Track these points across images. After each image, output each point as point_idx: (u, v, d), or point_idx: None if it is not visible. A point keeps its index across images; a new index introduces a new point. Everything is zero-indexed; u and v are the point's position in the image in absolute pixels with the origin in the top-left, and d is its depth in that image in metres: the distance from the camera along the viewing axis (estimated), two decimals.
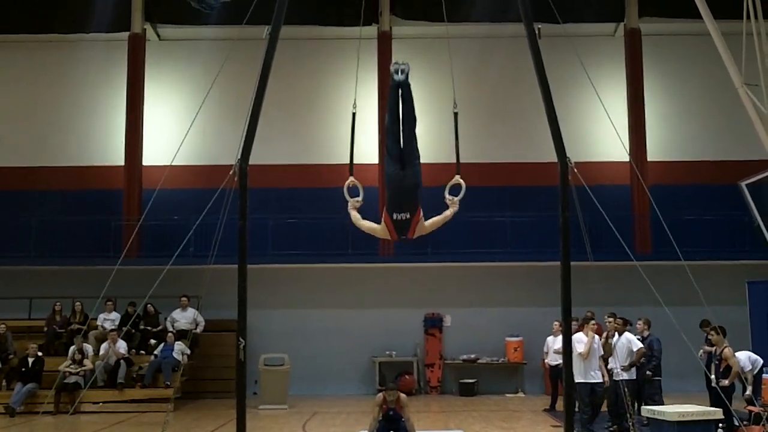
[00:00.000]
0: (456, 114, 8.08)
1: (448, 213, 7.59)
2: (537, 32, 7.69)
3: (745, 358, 12.53)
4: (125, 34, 19.60)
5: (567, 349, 7.53)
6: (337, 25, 19.55)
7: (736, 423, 10.48)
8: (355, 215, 7.74)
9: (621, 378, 11.25)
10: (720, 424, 10.08)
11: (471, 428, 12.70)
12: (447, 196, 7.65)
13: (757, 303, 16.26)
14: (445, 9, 9.74)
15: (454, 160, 7.78)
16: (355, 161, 7.81)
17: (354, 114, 7.95)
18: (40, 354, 15.57)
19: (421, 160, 7.45)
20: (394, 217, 7.37)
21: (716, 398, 10.75)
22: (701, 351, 12.38)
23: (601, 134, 18.44)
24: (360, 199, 7.81)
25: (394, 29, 19.43)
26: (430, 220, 7.54)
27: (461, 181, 7.70)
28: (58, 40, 19.89)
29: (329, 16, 19.61)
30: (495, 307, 18.48)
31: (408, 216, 7.35)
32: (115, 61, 19.65)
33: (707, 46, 14.53)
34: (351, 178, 7.88)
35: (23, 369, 15.24)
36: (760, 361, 12.30)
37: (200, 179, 17.54)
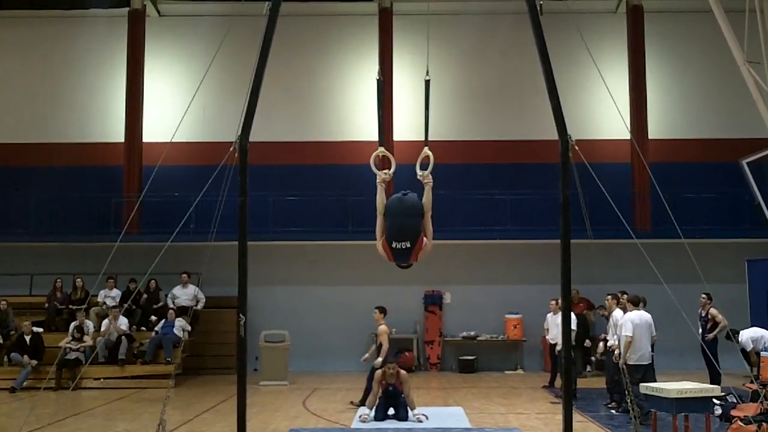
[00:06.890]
0: (427, 82, 7.89)
1: (427, 192, 7.07)
2: (539, 8, 7.63)
3: (747, 337, 12.63)
4: (125, 10, 19.49)
5: (566, 326, 7.54)
6: (338, 1, 19.46)
7: (734, 400, 10.52)
8: (381, 199, 7.11)
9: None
10: (716, 401, 10.12)
11: (470, 405, 12.78)
12: (418, 171, 7.35)
13: (756, 281, 16.32)
14: None
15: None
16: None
17: (379, 81, 7.98)
18: (35, 329, 15.61)
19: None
20: (394, 245, 6.93)
21: (706, 359, 12.05)
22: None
23: (602, 112, 18.39)
24: (390, 172, 7.45)
25: (395, 5, 19.27)
26: (428, 228, 7.06)
27: (429, 153, 7.48)
28: (58, 16, 19.78)
29: None
30: (495, 284, 18.53)
31: (408, 245, 6.90)
32: (115, 37, 19.56)
33: (710, 24, 14.43)
34: (381, 149, 7.66)
35: (25, 344, 15.33)
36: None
37: (201, 156, 17.51)
